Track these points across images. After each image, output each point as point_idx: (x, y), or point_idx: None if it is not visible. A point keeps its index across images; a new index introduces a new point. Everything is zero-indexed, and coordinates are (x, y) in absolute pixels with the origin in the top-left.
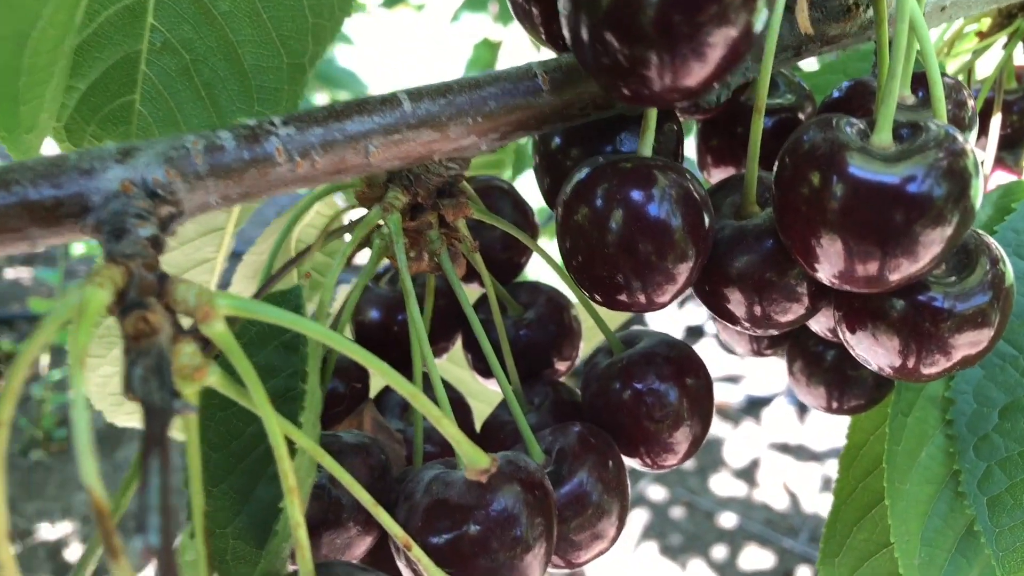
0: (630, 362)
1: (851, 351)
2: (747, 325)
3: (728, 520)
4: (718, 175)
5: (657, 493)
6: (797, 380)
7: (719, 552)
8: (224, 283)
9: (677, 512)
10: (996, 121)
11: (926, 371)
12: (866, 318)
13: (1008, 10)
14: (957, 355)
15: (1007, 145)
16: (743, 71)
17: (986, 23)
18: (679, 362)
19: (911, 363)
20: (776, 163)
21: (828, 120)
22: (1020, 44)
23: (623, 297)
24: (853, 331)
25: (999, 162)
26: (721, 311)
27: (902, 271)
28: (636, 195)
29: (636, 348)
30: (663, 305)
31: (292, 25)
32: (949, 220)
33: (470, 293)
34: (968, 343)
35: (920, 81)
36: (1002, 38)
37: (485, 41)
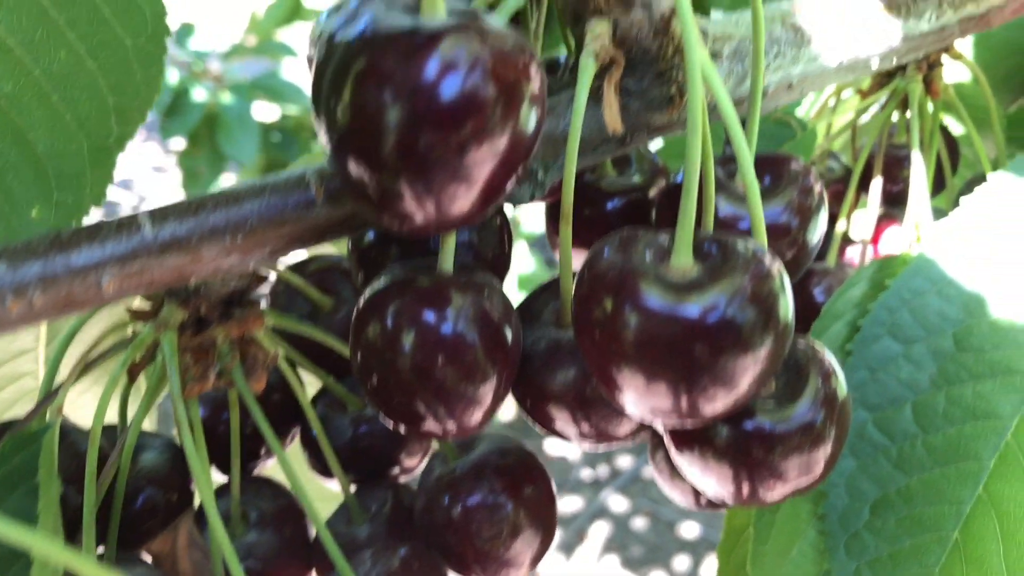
0: (459, 475)
1: (686, 479)
2: (583, 442)
3: (690, 531)
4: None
5: (619, 504)
6: (660, 471)
7: (681, 563)
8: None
9: (639, 523)
10: (877, 185)
11: (767, 497)
12: (692, 442)
13: (887, 69)
14: (794, 478)
15: (898, 200)
16: (559, 167)
17: (867, 83)
18: (513, 472)
19: (746, 491)
20: (576, 277)
21: (631, 237)
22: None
23: (429, 426)
24: (682, 453)
25: (888, 218)
26: (550, 429)
27: (718, 404)
28: (428, 316)
29: (468, 457)
30: (477, 428)
31: (90, 107)
32: (760, 346)
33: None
34: (805, 465)
35: (765, 165)
36: (882, 97)
37: None
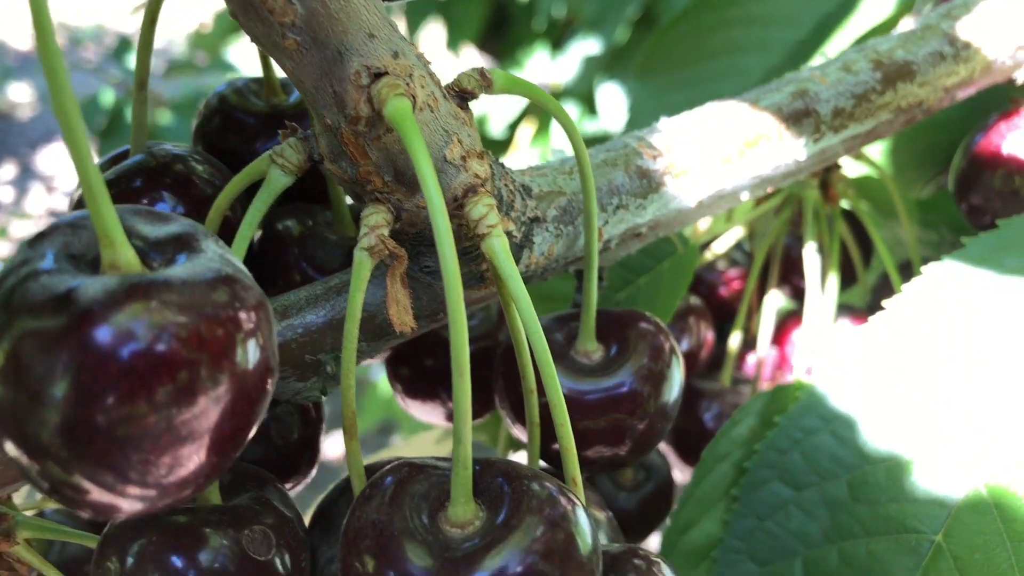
0: None
1: None
2: None
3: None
4: (414, 407)
5: None
6: None
7: None
8: None
9: None
10: (773, 298)
11: None
12: None
13: None
14: None
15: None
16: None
17: None
18: None
19: None
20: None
21: (406, 479)
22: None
23: None
24: None
25: (796, 316)
26: None
27: None
28: (175, 562)
29: None
30: None
31: None
32: None
33: None
34: None
35: (611, 327)
36: (776, 201)
37: None
